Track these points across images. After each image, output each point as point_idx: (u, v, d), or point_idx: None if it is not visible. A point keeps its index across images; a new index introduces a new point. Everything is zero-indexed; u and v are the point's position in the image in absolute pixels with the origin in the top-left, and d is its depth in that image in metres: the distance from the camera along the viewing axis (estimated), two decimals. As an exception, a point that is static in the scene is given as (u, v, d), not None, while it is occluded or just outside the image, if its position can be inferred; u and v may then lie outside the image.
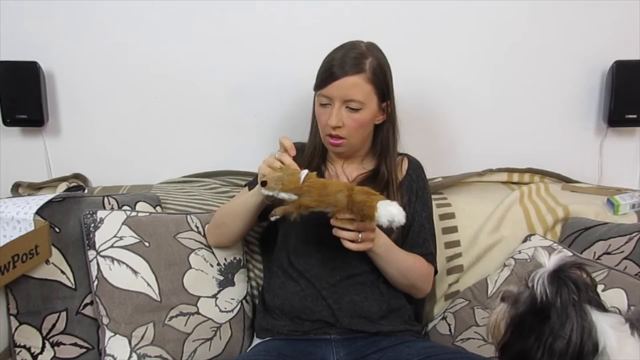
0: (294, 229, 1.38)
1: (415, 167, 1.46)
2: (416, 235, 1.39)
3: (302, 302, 1.34)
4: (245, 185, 1.48)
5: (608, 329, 0.90)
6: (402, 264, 1.34)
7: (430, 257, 1.41)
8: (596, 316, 0.91)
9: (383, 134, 1.40)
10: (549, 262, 0.95)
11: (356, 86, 1.28)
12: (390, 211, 1.11)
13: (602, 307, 0.94)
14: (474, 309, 1.47)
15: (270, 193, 1.12)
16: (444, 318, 1.51)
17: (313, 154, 1.42)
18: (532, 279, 0.94)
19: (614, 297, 1.29)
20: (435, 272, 1.45)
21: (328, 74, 1.29)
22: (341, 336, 1.32)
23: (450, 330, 1.47)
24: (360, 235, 1.18)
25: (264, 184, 1.12)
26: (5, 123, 1.66)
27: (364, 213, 1.11)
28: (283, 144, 1.24)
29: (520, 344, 0.93)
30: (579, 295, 0.92)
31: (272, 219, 1.17)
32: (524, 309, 0.94)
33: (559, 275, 0.93)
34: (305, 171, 1.14)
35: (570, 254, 1.45)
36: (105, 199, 1.50)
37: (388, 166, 1.39)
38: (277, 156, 1.21)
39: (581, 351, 0.89)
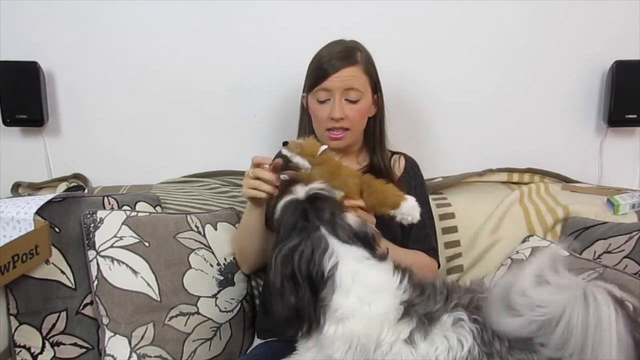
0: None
1: (412, 165, 1.48)
2: (418, 230, 1.40)
3: None
4: None
5: (346, 259, 0.92)
6: (403, 263, 1.34)
7: (433, 252, 1.42)
8: (335, 246, 0.93)
9: (375, 126, 1.43)
10: (300, 191, 0.99)
11: (355, 76, 1.32)
12: (415, 208, 1.13)
13: (351, 240, 0.94)
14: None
15: (288, 153, 1.15)
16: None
17: None
18: (292, 196, 0.98)
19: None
20: (438, 265, 1.45)
21: (323, 69, 1.33)
22: None
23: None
24: None
25: (285, 143, 1.15)
26: (5, 123, 1.66)
27: (387, 201, 1.12)
28: (254, 162, 1.22)
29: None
30: (326, 221, 0.94)
31: (282, 177, 1.16)
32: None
33: (303, 201, 0.96)
34: (325, 146, 1.16)
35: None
36: (105, 199, 1.50)
37: (383, 159, 1.42)
38: (251, 175, 1.21)
39: (309, 275, 0.91)
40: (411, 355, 0.91)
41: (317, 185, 1.00)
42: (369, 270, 0.93)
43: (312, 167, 1.13)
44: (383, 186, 1.15)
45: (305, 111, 1.44)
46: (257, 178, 1.19)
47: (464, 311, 0.92)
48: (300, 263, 0.91)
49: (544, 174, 1.77)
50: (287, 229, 0.95)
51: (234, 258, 1.50)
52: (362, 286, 0.92)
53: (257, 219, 1.33)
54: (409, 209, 1.13)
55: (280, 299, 0.93)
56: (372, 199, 1.13)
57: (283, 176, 1.16)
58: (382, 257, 0.97)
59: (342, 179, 1.13)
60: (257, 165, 1.20)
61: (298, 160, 1.14)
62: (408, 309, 0.92)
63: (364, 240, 0.96)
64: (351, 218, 0.98)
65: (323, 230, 0.94)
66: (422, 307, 0.93)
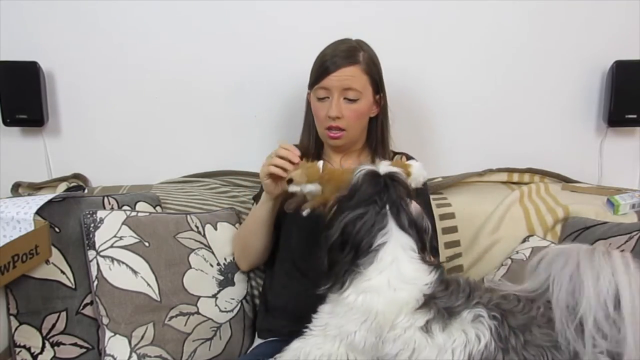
0: (295, 229, 1.38)
1: None
2: None
3: (305, 302, 1.33)
4: (253, 199, 1.50)
5: (395, 242, 0.98)
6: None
7: (434, 251, 1.42)
8: (392, 228, 0.99)
9: (378, 126, 1.43)
10: (382, 168, 1.04)
11: (354, 76, 1.32)
12: (421, 167, 1.17)
13: (407, 229, 1.00)
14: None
15: (298, 188, 1.15)
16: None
17: (307, 152, 1.42)
18: (359, 169, 1.04)
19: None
20: None
21: (324, 67, 1.33)
22: None
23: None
24: None
25: (289, 181, 1.15)
26: (5, 123, 1.66)
27: None
28: (282, 146, 1.25)
29: (331, 215, 1.03)
30: (393, 203, 1.00)
31: (304, 213, 1.17)
32: (347, 193, 1.03)
33: (383, 178, 1.01)
34: (321, 162, 1.17)
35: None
36: (105, 199, 1.50)
37: (385, 159, 1.41)
38: (274, 154, 1.23)
39: (359, 242, 0.98)
40: (426, 343, 0.96)
41: (395, 168, 1.06)
42: (408, 262, 0.98)
43: (323, 187, 1.13)
44: None
45: (310, 107, 1.44)
46: (283, 158, 1.22)
47: (484, 308, 0.96)
48: (360, 230, 0.98)
49: (544, 174, 1.77)
50: (362, 198, 1.00)
51: (234, 258, 1.50)
52: (396, 272, 0.97)
53: (269, 214, 1.34)
54: (418, 171, 1.16)
55: (328, 253, 1.00)
56: None
57: (306, 211, 1.16)
58: (425, 259, 1.01)
59: (348, 183, 1.14)
60: (284, 149, 1.22)
61: (310, 188, 1.14)
62: (428, 301, 0.97)
63: (418, 231, 1.02)
64: (413, 206, 1.03)
65: (388, 211, 1.00)
66: (443, 301, 0.98)
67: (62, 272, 1.40)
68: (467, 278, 1.05)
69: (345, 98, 1.33)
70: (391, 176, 1.03)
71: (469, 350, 0.94)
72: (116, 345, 1.35)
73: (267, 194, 1.31)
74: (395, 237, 0.99)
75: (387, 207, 1.00)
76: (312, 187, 1.13)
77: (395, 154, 1.49)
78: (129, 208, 1.49)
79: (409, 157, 1.49)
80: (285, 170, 1.22)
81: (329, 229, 1.01)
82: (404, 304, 0.97)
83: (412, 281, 0.98)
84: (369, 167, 1.04)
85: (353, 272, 0.98)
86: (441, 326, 0.96)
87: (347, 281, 0.98)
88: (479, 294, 0.99)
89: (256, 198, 1.48)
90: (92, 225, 1.40)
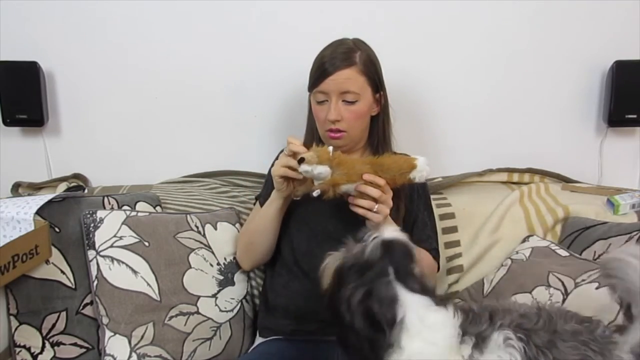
0: (297, 228, 1.38)
1: None
2: (420, 231, 1.40)
3: (307, 302, 1.34)
4: (256, 199, 1.50)
5: (414, 306, 0.95)
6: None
7: (435, 253, 1.42)
8: (405, 296, 0.96)
9: (379, 125, 1.43)
10: (387, 232, 1.01)
11: (350, 78, 1.32)
12: (426, 162, 1.20)
13: (418, 290, 0.97)
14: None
15: (309, 168, 1.16)
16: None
17: None
18: (368, 237, 1.00)
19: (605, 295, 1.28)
20: (438, 268, 1.45)
21: (321, 70, 1.33)
22: None
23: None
24: (376, 206, 1.19)
25: (302, 160, 1.16)
26: (5, 123, 1.66)
27: (404, 167, 1.19)
28: (290, 141, 1.25)
29: (335, 293, 0.98)
30: (395, 271, 0.97)
31: (314, 194, 1.19)
32: (350, 261, 0.99)
33: (390, 245, 0.99)
34: (331, 147, 1.19)
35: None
36: (105, 199, 1.50)
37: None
38: (287, 152, 1.22)
39: (378, 319, 0.94)
40: None
41: (397, 233, 1.03)
42: (434, 313, 0.96)
43: (332, 170, 1.15)
44: (391, 158, 1.21)
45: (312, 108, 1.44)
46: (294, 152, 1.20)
47: (510, 330, 0.95)
48: (372, 307, 0.94)
49: (544, 174, 1.77)
50: (365, 270, 0.97)
51: (234, 258, 1.50)
52: (428, 329, 0.95)
53: (277, 212, 1.34)
54: (422, 166, 1.19)
55: (356, 335, 0.96)
56: (389, 174, 1.18)
57: (316, 192, 1.17)
58: (442, 302, 1.00)
59: (359, 168, 1.17)
60: (291, 143, 1.21)
61: (320, 169, 1.15)
62: (465, 331, 0.96)
63: (426, 290, 1.00)
64: (417, 269, 1.01)
65: (393, 279, 0.97)
66: (473, 328, 0.97)
67: (62, 272, 1.40)
68: (480, 303, 1.04)
69: (343, 100, 1.33)
70: (390, 243, 1.00)
71: None
72: (116, 345, 1.35)
73: (278, 191, 1.31)
74: (411, 302, 0.96)
75: (392, 275, 0.97)
76: (322, 169, 1.15)
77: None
78: (129, 208, 1.49)
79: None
80: (296, 170, 1.22)
81: (331, 299, 0.98)
82: (449, 347, 0.95)
83: (444, 324, 0.96)
84: (381, 235, 1.01)
85: (388, 349, 0.94)
86: (479, 354, 0.94)
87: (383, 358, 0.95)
88: (500, 317, 0.98)
89: (258, 197, 1.48)
90: (92, 225, 1.40)
